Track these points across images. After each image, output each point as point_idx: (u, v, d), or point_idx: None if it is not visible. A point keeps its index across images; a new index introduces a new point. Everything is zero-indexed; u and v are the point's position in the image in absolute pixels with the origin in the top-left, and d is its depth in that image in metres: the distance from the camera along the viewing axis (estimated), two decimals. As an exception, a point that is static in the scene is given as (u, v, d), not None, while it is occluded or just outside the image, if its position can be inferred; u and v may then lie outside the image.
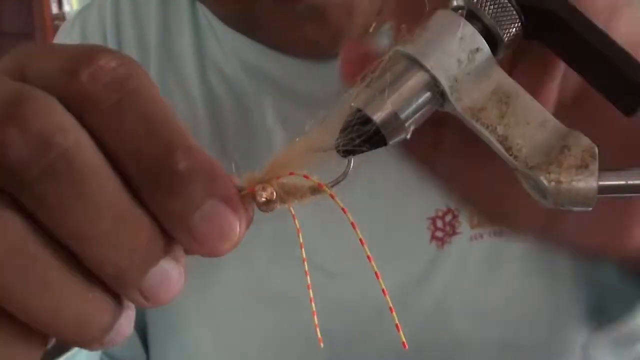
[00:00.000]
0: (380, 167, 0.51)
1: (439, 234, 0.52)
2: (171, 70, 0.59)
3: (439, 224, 0.52)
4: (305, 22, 0.48)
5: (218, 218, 0.23)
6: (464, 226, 0.52)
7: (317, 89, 0.51)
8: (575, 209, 0.27)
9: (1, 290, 0.22)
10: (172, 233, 0.24)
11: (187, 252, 0.24)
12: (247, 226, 0.24)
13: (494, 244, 0.52)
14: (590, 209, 0.26)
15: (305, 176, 0.26)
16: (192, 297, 0.54)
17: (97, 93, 0.23)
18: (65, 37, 0.63)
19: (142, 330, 0.60)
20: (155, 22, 0.60)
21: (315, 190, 0.26)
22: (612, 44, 0.27)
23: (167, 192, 0.23)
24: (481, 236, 0.52)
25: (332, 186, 0.26)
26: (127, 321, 0.25)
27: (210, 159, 0.24)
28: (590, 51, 0.27)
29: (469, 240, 0.52)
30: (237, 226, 0.23)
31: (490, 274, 0.52)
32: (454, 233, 0.52)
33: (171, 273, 0.23)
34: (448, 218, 0.52)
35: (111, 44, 0.60)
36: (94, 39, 0.61)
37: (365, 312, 0.51)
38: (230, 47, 0.57)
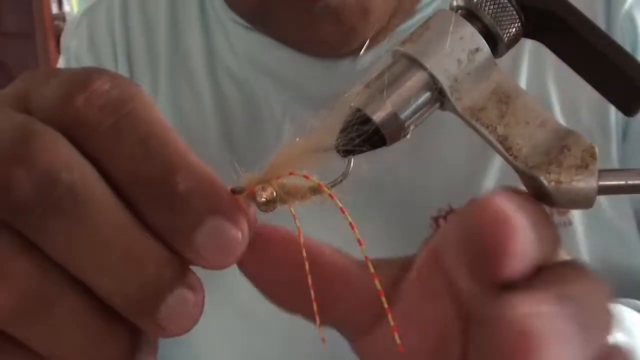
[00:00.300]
0: (383, 167, 0.51)
1: None
2: (180, 70, 0.59)
3: (442, 223, 0.52)
4: (320, 21, 0.48)
5: (221, 234, 0.23)
6: None
7: (327, 87, 0.51)
8: (575, 208, 0.27)
9: (16, 330, 0.23)
10: (177, 250, 0.24)
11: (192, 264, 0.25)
12: (250, 235, 0.24)
13: None
14: (590, 208, 0.27)
15: (305, 176, 0.26)
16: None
17: (92, 117, 0.23)
18: (71, 36, 0.63)
19: None
20: (164, 22, 0.60)
21: (315, 190, 0.26)
22: (612, 44, 0.27)
23: (169, 212, 0.23)
24: None
25: (332, 186, 0.26)
26: (147, 352, 0.25)
27: (210, 175, 0.24)
28: (590, 51, 0.27)
29: None
30: (239, 240, 0.24)
31: None
32: None
33: (186, 303, 0.23)
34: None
35: (120, 46, 0.60)
36: (102, 41, 0.61)
37: None
38: (240, 47, 0.58)
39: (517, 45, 0.29)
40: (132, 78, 0.60)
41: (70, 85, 0.24)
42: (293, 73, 0.56)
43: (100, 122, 0.23)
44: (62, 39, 0.64)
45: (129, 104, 0.23)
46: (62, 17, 3.01)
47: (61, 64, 0.64)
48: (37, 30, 2.73)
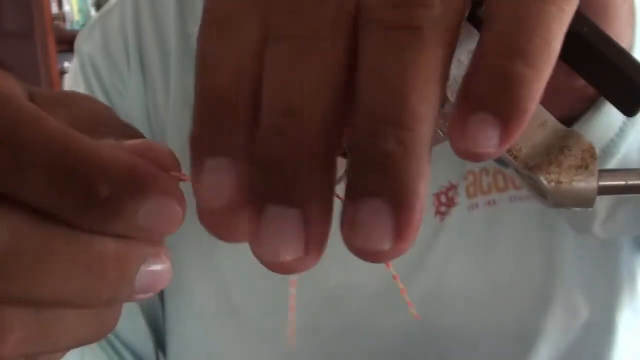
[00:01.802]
0: None
1: (442, 208, 0.55)
2: (191, 67, 0.60)
3: (443, 199, 0.55)
4: None
5: (159, 211, 0.23)
6: (462, 197, 0.55)
7: None
8: (575, 209, 0.27)
9: None
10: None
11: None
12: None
13: (489, 212, 0.54)
14: (591, 208, 0.26)
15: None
16: (199, 261, 0.58)
17: None
18: (84, 40, 0.66)
19: (149, 308, 0.62)
20: (173, 22, 0.62)
21: None
22: (612, 44, 0.27)
23: (105, 219, 0.23)
24: (477, 205, 0.55)
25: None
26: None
27: (129, 162, 0.23)
28: (589, 51, 0.27)
29: (466, 211, 0.55)
30: (177, 207, 0.24)
31: (487, 243, 0.55)
32: (453, 204, 0.55)
33: (156, 272, 0.24)
34: (451, 193, 0.55)
35: (132, 48, 0.63)
36: (116, 44, 0.63)
37: (372, 292, 0.54)
38: None
39: None
40: (145, 78, 0.63)
41: None
42: None
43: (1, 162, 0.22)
44: (75, 42, 0.67)
45: (18, 128, 0.22)
46: (62, 17, 3.02)
47: (75, 65, 0.66)
48: (37, 30, 2.74)
